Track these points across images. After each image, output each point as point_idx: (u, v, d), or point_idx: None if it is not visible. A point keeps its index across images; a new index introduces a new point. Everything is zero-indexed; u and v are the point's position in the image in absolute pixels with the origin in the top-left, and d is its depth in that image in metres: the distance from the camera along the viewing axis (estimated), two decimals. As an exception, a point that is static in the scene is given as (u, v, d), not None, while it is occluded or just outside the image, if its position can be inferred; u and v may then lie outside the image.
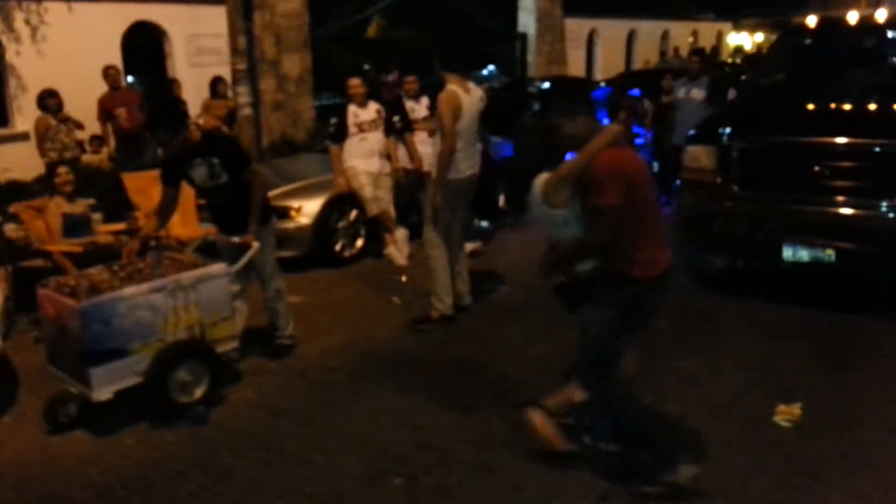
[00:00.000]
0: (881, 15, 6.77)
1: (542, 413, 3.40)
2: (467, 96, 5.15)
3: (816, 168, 5.12)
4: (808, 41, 7.17)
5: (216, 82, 9.45)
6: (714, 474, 3.29)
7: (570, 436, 3.43)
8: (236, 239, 4.47)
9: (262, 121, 10.66)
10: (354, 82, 6.66)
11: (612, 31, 21.55)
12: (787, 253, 5.20)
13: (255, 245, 4.43)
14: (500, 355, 4.79)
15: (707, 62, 16.71)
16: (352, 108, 6.59)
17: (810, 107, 5.83)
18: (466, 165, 5.19)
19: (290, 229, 6.52)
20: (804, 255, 5.17)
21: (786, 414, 3.80)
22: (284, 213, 6.56)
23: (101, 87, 8.31)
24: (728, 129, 5.56)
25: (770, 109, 5.97)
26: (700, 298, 5.57)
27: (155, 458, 3.66)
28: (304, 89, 11.20)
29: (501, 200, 8.72)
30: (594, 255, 3.09)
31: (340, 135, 6.62)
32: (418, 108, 7.26)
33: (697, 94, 8.45)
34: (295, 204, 6.60)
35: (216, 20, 10.41)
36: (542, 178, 3.15)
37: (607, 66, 20.78)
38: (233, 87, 9.94)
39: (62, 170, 5.90)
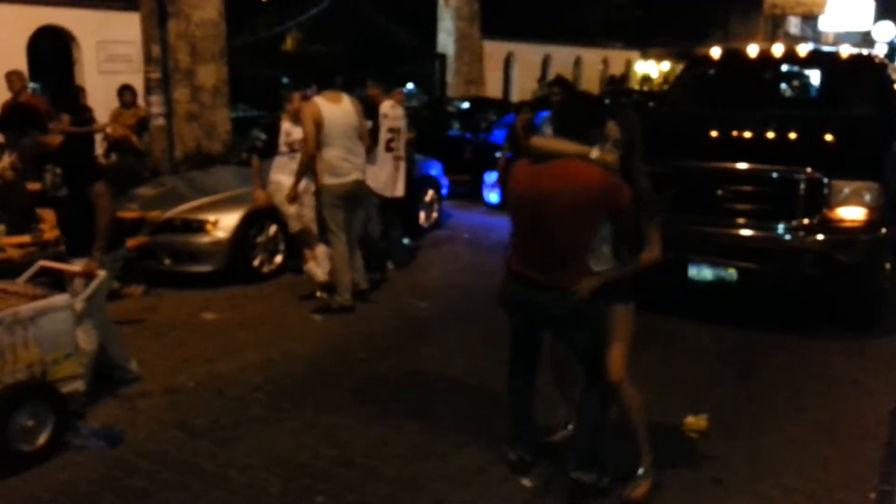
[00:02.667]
0: (778, 49, 7.29)
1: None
2: (333, 106, 5.72)
3: (719, 192, 5.44)
4: (711, 71, 7.61)
5: (123, 91, 9.12)
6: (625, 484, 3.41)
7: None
8: (77, 267, 4.10)
9: (175, 132, 10.37)
10: (297, 96, 6.44)
11: (528, 55, 22.09)
12: (693, 272, 5.48)
13: (101, 274, 4.06)
14: (422, 372, 4.82)
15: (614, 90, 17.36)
16: (285, 126, 6.41)
17: (714, 134, 6.18)
18: (345, 171, 5.82)
19: (205, 243, 6.37)
20: (708, 273, 5.47)
21: (693, 425, 3.99)
22: (200, 227, 6.41)
23: (4, 94, 7.90)
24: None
25: (676, 136, 6.28)
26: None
27: (63, 482, 3.49)
28: (220, 101, 10.97)
29: (422, 217, 8.83)
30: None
31: (269, 150, 6.45)
32: None
33: None
34: (211, 217, 6.44)
35: (128, 27, 10.10)
36: None
37: (523, 89, 21.30)
38: (146, 96, 9.65)
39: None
